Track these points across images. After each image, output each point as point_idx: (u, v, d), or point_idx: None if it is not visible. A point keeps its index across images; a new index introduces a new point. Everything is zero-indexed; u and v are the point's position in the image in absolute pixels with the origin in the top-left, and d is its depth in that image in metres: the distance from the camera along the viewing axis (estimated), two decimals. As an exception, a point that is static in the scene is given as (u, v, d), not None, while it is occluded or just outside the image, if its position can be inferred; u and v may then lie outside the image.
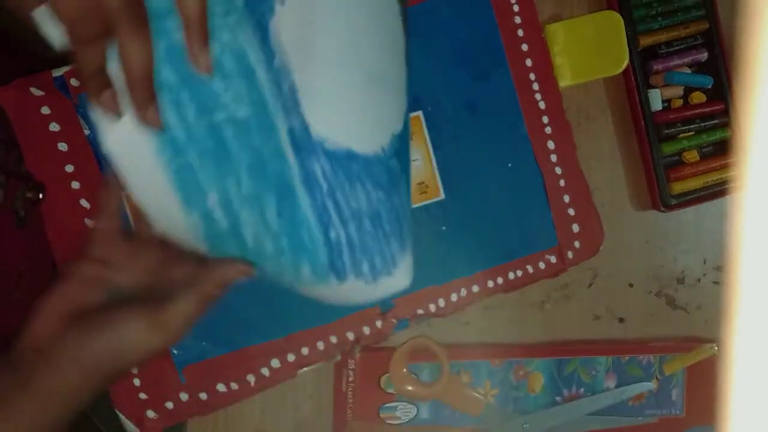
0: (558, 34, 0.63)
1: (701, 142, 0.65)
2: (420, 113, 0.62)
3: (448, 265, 0.62)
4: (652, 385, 0.66)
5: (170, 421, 0.57)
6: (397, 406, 0.61)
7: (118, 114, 0.37)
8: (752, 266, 0.27)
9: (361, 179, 0.43)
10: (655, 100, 0.65)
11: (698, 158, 0.66)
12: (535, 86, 0.63)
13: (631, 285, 0.68)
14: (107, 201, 0.45)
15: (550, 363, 0.64)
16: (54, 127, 0.54)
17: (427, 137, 0.62)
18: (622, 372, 0.66)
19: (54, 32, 0.35)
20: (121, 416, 0.56)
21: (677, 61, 0.65)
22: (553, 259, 0.63)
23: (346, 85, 0.43)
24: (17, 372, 0.41)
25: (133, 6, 0.34)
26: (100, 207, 0.45)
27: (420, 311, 0.60)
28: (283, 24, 0.40)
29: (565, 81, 0.63)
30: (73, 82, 0.54)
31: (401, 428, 0.61)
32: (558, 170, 0.63)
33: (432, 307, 0.61)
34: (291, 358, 0.59)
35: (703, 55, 0.65)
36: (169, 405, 0.57)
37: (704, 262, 0.69)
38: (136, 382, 0.56)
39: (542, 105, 0.63)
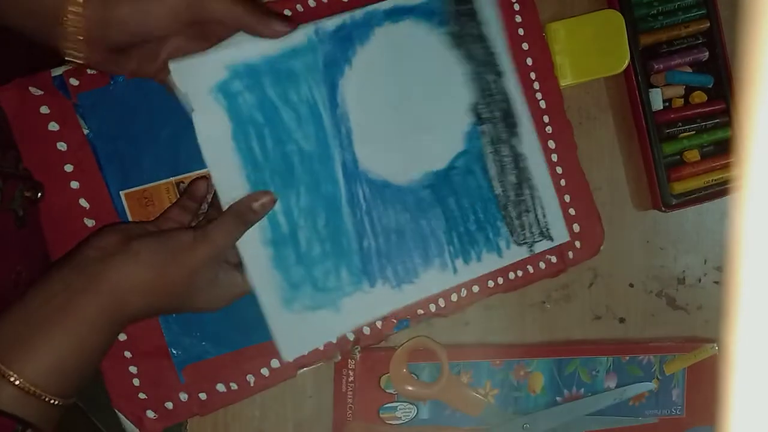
0: (559, 33, 0.63)
1: (702, 142, 0.65)
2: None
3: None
4: (652, 385, 0.66)
5: (170, 421, 0.57)
6: (397, 407, 0.61)
7: None
8: (753, 266, 0.27)
9: (392, 203, 0.58)
10: (656, 99, 0.65)
11: (699, 158, 0.66)
12: (536, 85, 0.63)
13: (631, 285, 0.68)
14: (197, 189, 0.55)
15: (551, 363, 0.64)
16: (53, 126, 0.54)
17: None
18: (622, 372, 0.66)
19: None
20: (121, 416, 0.56)
21: (678, 61, 0.65)
22: (553, 259, 0.63)
23: (392, 134, 0.58)
24: (83, 274, 0.46)
25: None
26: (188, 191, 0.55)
27: (420, 311, 0.60)
28: (349, 82, 0.56)
29: (565, 80, 0.63)
30: (73, 81, 0.54)
31: (401, 428, 0.61)
32: (559, 170, 0.63)
33: (432, 307, 0.61)
34: (291, 358, 0.59)
35: (704, 55, 0.65)
36: (169, 405, 0.57)
37: (705, 262, 0.69)
38: (136, 382, 0.56)
39: (543, 104, 0.63)
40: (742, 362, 0.28)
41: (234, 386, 0.58)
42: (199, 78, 0.51)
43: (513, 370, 0.64)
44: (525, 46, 0.62)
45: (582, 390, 0.65)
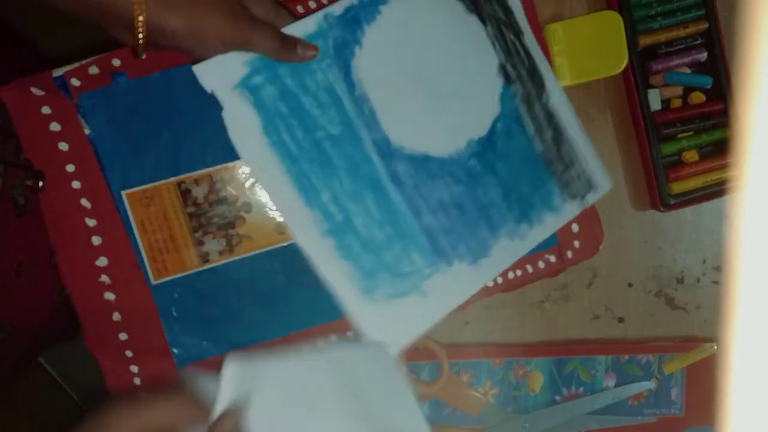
0: (558, 34, 0.63)
1: (700, 142, 0.65)
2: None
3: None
4: (651, 384, 0.66)
5: (170, 421, 0.57)
6: (396, 406, 0.61)
7: None
8: (751, 266, 0.27)
9: (440, 176, 0.58)
10: (655, 100, 0.65)
11: (697, 158, 0.66)
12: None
13: (630, 285, 0.68)
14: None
15: (550, 362, 0.64)
16: (54, 126, 0.54)
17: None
18: (621, 371, 0.66)
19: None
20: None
21: (677, 61, 0.65)
22: (552, 259, 0.63)
23: (414, 106, 0.58)
24: None
25: None
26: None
27: (420, 311, 0.60)
28: (361, 62, 0.56)
29: (564, 81, 0.63)
30: (74, 81, 0.54)
31: (401, 428, 0.62)
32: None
33: (432, 307, 0.61)
34: (291, 357, 0.59)
35: (703, 55, 0.65)
36: (170, 404, 0.57)
37: (703, 262, 0.69)
38: (136, 381, 0.56)
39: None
40: (740, 362, 0.28)
41: (234, 386, 0.58)
42: (222, 77, 0.52)
43: (512, 369, 0.64)
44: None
45: (581, 389, 0.65)
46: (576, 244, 0.64)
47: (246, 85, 0.53)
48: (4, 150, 0.52)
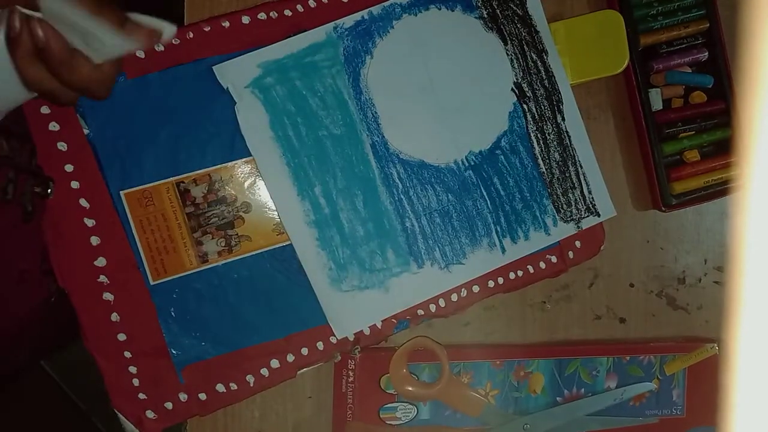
0: (558, 34, 0.63)
1: (702, 142, 0.65)
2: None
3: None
4: (653, 385, 0.66)
5: (169, 422, 0.57)
6: (397, 407, 0.61)
7: None
8: (753, 266, 0.27)
9: (431, 183, 0.60)
10: (656, 99, 0.65)
11: (699, 158, 0.66)
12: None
13: (631, 285, 0.68)
14: None
15: (551, 363, 0.64)
16: (53, 126, 0.54)
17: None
18: (623, 372, 0.66)
19: None
20: (121, 416, 0.56)
21: (678, 61, 0.65)
22: (553, 259, 0.63)
23: (418, 116, 0.60)
24: None
25: None
26: None
27: (420, 312, 0.60)
28: (371, 71, 0.59)
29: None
30: (73, 81, 0.54)
31: (401, 429, 0.61)
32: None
33: (432, 308, 0.61)
34: (290, 358, 0.58)
35: (704, 55, 0.65)
36: (169, 405, 0.57)
37: (705, 262, 0.69)
38: (135, 382, 0.56)
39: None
40: (742, 362, 0.28)
41: (234, 386, 0.58)
42: (237, 76, 0.56)
43: (513, 370, 0.63)
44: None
45: (582, 390, 0.65)
46: (577, 244, 0.63)
47: (257, 85, 0.57)
48: (19, 155, 0.52)
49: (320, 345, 0.59)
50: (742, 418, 0.28)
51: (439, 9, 0.61)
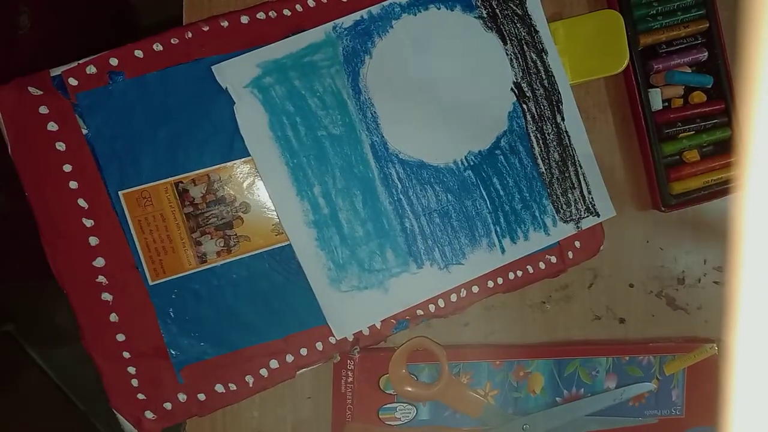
0: (558, 33, 0.63)
1: (701, 142, 0.65)
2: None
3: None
4: (652, 385, 0.66)
5: (168, 422, 0.57)
6: (396, 407, 0.61)
7: None
8: (753, 266, 0.27)
9: (430, 184, 0.60)
10: (656, 99, 0.65)
11: (698, 158, 0.66)
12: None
13: (631, 285, 0.68)
14: None
15: (551, 364, 0.64)
16: (52, 126, 0.54)
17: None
18: (622, 372, 0.66)
19: None
20: (120, 417, 0.56)
21: (677, 61, 0.65)
22: (553, 260, 0.63)
23: (418, 116, 0.60)
24: None
25: None
26: None
27: (420, 312, 0.60)
28: (371, 71, 0.59)
29: (565, 80, 0.63)
30: (72, 81, 0.54)
31: (400, 429, 0.61)
32: (558, 170, 0.64)
33: (432, 308, 0.61)
34: (290, 358, 0.58)
35: (704, 55, 0.65)
36: (168, 405, 0.57)
37: (704, 262, 0.69)
38: (134, 382, 0.56)
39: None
40: (741, 362, 0.28)
41: (233, 387, 0.57)
42: (236, 76, 0.56)
43: (513, 370, 0.63)
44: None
45: (582, 390, 0.65)
46: (577, 244, 0.63)
47: (256, 85, 0.56)
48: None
49: (319, 345, 0.59)
50: (741, 418, 0.28)
51: (439, 9, 0.61)
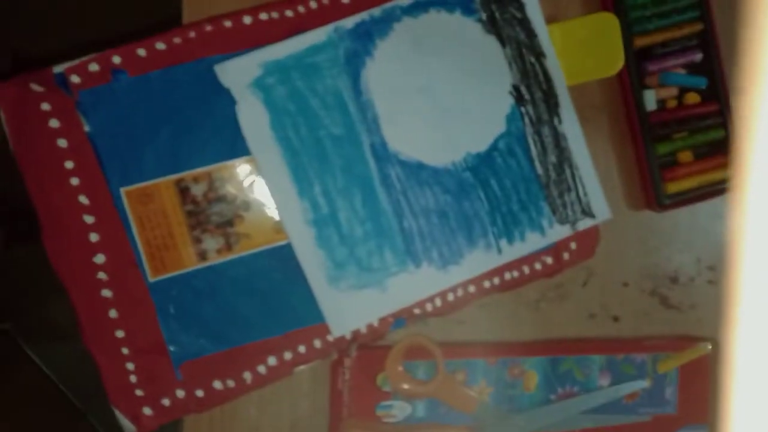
0: (553, 36, 0.63)
1: (695, 143, 0.66)
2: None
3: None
4: (645, 383, 0.67)
5: (166, 418, 0.57)
6: (392, 405, 0.62)
7: None
8: (746, 265, 0.27)
9: (429, 184, 0.61)
10: (650, 100, 0.66)
11: (692, 158, 0.66)
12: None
13: (625, 284, 0.68)
14: None
15: (545, 361, 0.65)
16: (54, 123, 0.54)
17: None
18: (616, 370, 0.66)
19: None
20: (118, 413, 0.56)
21: (672, 62, 0.65)
22: (549, 260, 0.63)
23: (417, 117, 0.61)
24: None
25: None
26: None
27: (417, 311, 0.61)
28: (372, 72, 0.60)
29: (560, 82, 0.64)
30: (74, 78, 0.54)
31: (397, 426, 0.62)
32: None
33: (429, 307, 0.61)
34: (288, 355, 0.59)
35: (698, 56, 0.66)
36: (166, 402, 0.57)
37: (698, 262, 0.69)
38: (133, 378, 0.56)
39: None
40: (734, 361, 0.29)
41: (231, 383, 0.58)
42: (238, 76, 0.57)
43: (507, 368, 0.64)
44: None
45: (576, 388, 0.66)
46: (572, 245, 0.64)
47: (258, 85, 0.57)
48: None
49: (317, 343, 0.59)
50: (734, 416, 0.29)
51: (439, 12, 0.61)
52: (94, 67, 0.54)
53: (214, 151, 0.57)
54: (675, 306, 0.69)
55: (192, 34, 0.57)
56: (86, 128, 0.55)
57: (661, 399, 0.68)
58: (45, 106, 0.54)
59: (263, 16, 0.58)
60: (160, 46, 0.56)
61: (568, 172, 0.63)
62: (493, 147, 0.62)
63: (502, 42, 0.62)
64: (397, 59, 0.60)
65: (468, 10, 0.62)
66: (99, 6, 0.68)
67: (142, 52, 0.55)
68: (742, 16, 0.27)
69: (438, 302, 0.61)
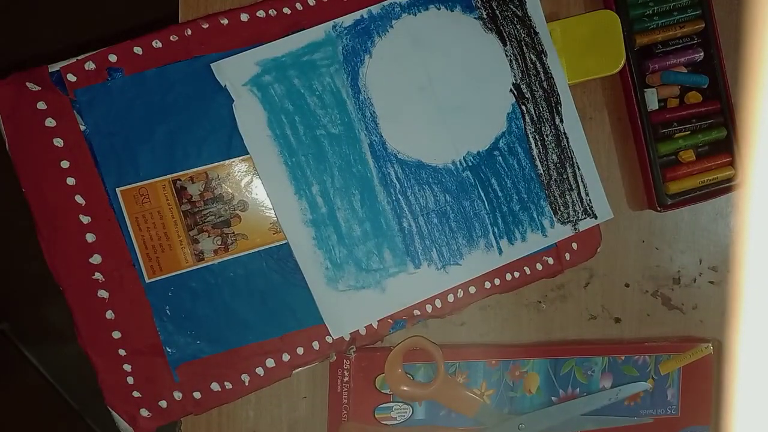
0: (555, 34, 0.63)
1: (697, 142, 0.65)
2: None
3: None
4: (647, 385, 0.66)
5: (164, 420, 0.57)
6: (392, 407, 0.61)
7: None
8: (749, 266, 0.27)
9: (429, 184, 0.60)
10: (652, 99, 0.65)
11: (694, 158, 0.66)
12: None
13: (627, 285, 0.68)
14: None
15: (546, 363, 0.64)
16: (50, 122, 0.54)
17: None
18: (618, 372, 0.66)
19: None
20: (115, 415, 0.56)
21: (673, 61, 0.65)
22: (550, 261, 0.63)
23: (417, 116, 0.60)
24: None
25: None
26: None
27: (417, 312, 0.60)
28: (370, 70, 0.59)
29: (561, 80, 0.63)
30: (70, 77, 0.54)
31: (396, 429, 0.61)
32: (555, 169, 0.64)
33: (429, 308, 0.61)
34: (286, 357, 0.58)
35: (699, 55, 0.65)
36: (163, 404, 0.56)
37: (700, 262, 0.69)
38: (130, 380, 0.56)
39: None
40: (736, 362, 0.28)
41: (229, 385, 0.57)
42: (235, 74, 0.56)
43: (509, 370, 0.64)
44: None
45: (577, 390, 0.65)
46: (574, 246, 0.64)
47: (255, 83, 0.56)
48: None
49: (316, 344, 0.59)
50: (736, 417, 0.28)
51: (439, 9, 0.61)
52: (90, 65, 0.54)
53: (211, 150, 0.56)
54: (677, 307, 0.69)
55: (189, 32, 0.56)
56: (82, 127, 0.54)
57: (663, 400, 0.67)
58: (41, 105, 0.53)
59: (260, 13, 0.58)
60: (157, 44, 0.55)
61: (569, 171, 0.63)
62: (494, 146, 0.62)
63: (503, 40, 0.62)
64: (396, 57, 0.60)
65: (468, 8, 0.61)
66: (95, 4, 0.67)
67: (138, 50, 0.55)
68: (743, 15, 0.26)
69: (438, 303, 0.61)
